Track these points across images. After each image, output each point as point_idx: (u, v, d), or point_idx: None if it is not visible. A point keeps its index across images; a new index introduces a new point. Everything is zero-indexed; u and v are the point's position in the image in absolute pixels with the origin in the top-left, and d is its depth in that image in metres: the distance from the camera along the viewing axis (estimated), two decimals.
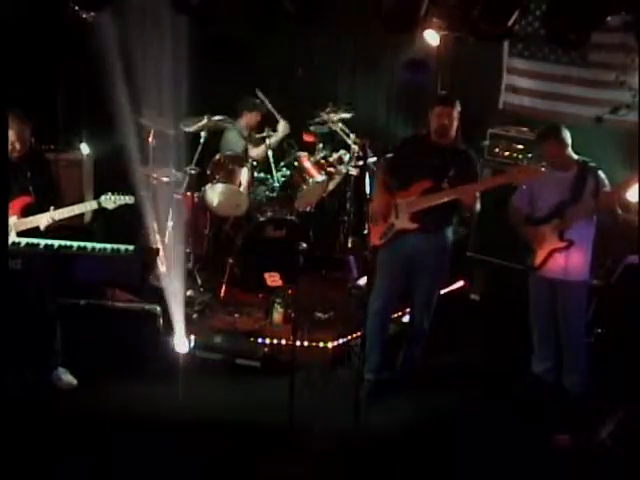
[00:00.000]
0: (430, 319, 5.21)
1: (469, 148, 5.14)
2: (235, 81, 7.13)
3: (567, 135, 4.92)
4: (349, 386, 4.58)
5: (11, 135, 4.77)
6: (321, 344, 5.74)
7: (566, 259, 4.92)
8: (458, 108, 4.98)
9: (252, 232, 6.53)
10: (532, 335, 5.24)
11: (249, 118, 6.99)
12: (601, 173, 4.91)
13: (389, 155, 5.29)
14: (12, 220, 4.79)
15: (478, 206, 4.97)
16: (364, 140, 5.78)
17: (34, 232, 4.85)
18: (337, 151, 7.06)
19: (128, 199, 5.09)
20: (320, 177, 6.71)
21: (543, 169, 4.86)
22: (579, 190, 4.88)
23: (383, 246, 5.07)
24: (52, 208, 4.83)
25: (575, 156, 4.96)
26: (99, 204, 5.01)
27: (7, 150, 4.60)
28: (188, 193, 6.57)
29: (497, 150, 6.78)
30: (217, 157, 6.55)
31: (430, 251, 5.02)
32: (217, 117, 6.57)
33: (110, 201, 5.01)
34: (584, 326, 5.10)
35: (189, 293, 6.23)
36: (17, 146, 4.81)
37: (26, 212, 4.85)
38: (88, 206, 5.05)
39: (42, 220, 4.83)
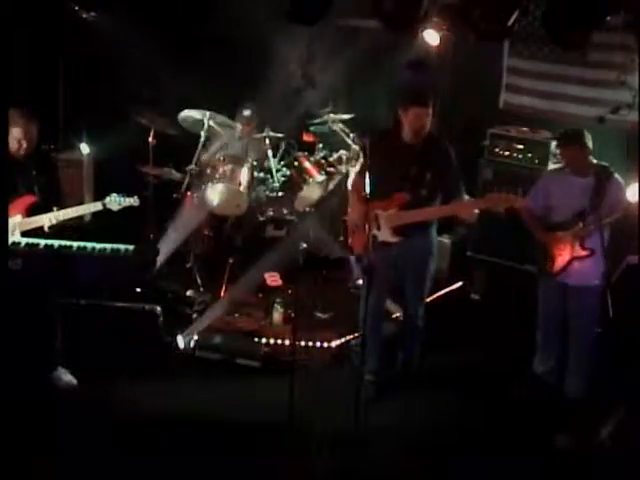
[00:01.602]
0: (423, 316, 5.20)
1: (440, 136, 5.01)
2: (234, 81, 7.15)
3: (589, 140, 4.79)
4: (349, 386, 4.57)
5: (18, 133, 4.78)
6: (321, 344, 5.74)
7: (581, 265, 4.84)
8: (431, 106, 4.84)
9: (252, 232, 6.54)
10: (536, 335, 5.20)
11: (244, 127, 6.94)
12: (619, 178, 4.81)
13: (361, 161, 5.14)
14: (17, 219, 4.79)
15: (475, 214, 4.91)
16: (364, 140, 5.77)
17: (35, 231, 4.85)
18: (337, 151, 7.06)
19: (133, 201, 5.08)
20: (320, 177, 6.71)
21: (520, 199, 4.81)
22: (599, 197, 4.75)
23: (368, 254, 4.98)
24: (55, 208, 4.83)
25: (594, 161, 4.83)
26: (104, 205, 5.00)
27: (7, 150, 4.60)
28: (188, 193, 6.58)
29: (497, 150, 6.78)
30: (217, 157, 6.55)
31: (416, 252, 5.00)
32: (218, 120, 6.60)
33: (115, 202, 5.00)
34: (595, 331, 5.02)
35: (189, 293, 6.24)
36: (24, 144, 4.81)
37: (31, 211, 4.86)
38: (92, 207, 5.05)
39: (46, 220, 4.84)
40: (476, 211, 4.91)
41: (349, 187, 5.20)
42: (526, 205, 5.04)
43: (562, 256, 4.90)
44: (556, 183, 4.97)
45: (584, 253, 4.83)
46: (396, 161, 4.84)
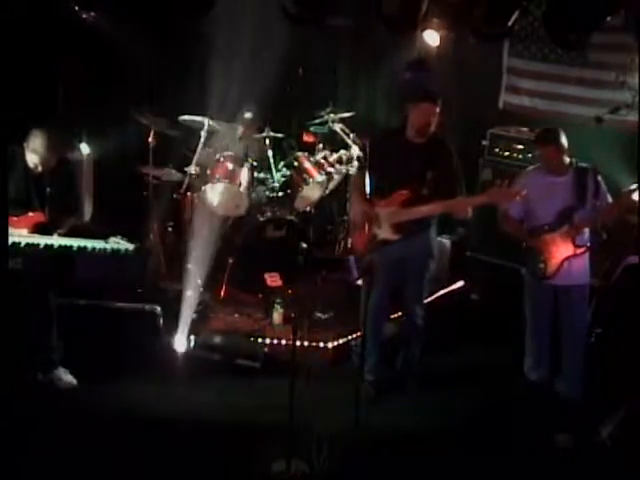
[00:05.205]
0: (424, 316, 5.20)
1: (443, 138, 5.00)
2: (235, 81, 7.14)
3: (564, 139, 4.78)
4: (349, 386, 4.57)
5: (34, 155, 4.78)
6: (321, 344, 5.74)
7: (570, 265, 4.81)
8: (440, 104, 4.85)
9: (252, 232, 6.53)
10: (526, 342, 5.14)
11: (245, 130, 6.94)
12: (596, 172, 4.81)
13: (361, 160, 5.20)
14: (22, 232, 4.79)
15: (470, 212, 4.92)
16: (364, 140, 5.76)
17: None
18: (337, 151, 7.06)
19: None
20: (320, 177, 6.70)
21: (524, 193, 4.73)
22: (583, 194, 4.75)
23: (369, 252, 5.01)
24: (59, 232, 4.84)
25: (568, 159, 4.83)
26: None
27: (6, 151, 4.60)
28: (188, 193, 6.58)
29: (497, 150, 6.79)
30: (217, 157, 6.55)
31: (416, 251, 5.01)
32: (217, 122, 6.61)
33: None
34: (586, 329, 5.05)
35: (189, 293, 6.23)
36: (39, 167, 4.82)
37: (37, 229, 4.84)
38: (96, 244, 4.85)
39: (45, 241, 4.82)
40: (470, 210, 4.90)
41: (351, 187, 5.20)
42: (505, 212, 4.98)
43: (555, 258, 4.83)
44: (533, 185, 4.86)
45: (579, 251, 4.79)
46: (399, 159, 4.86)
